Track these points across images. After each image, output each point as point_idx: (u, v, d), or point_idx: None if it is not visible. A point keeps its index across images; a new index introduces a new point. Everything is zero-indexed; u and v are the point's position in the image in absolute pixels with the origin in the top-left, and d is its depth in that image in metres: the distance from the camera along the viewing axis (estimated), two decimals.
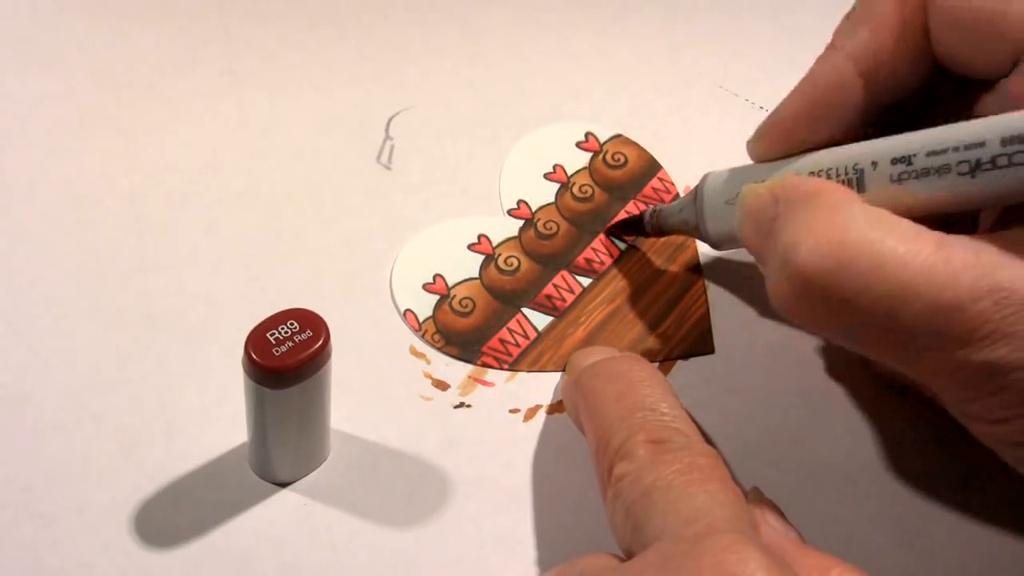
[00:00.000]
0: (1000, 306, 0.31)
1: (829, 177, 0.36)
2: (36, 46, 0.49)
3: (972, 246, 0.31)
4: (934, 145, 0.33)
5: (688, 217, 0.41)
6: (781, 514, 0.35)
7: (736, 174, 0.40)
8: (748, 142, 0.40)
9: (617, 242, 0.44)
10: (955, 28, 0.36)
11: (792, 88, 0.39)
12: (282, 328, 0.34)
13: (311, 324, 0.34)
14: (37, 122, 0.46)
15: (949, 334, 0.31)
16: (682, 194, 0.46)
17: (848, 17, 0.38)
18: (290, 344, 0.33)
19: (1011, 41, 0.35)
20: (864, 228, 0.32)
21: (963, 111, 0.36)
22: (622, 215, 0.45)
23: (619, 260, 0.44)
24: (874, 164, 0.35)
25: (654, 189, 0.46)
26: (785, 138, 0.38)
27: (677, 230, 0.42)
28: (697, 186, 0.41)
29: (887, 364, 0.34)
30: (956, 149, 0.33)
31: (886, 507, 0.38)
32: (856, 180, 0.35)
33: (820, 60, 0.38)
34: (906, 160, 0.34)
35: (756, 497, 0.36)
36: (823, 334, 0.34)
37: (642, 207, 0.46)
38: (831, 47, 0.38)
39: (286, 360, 0.33)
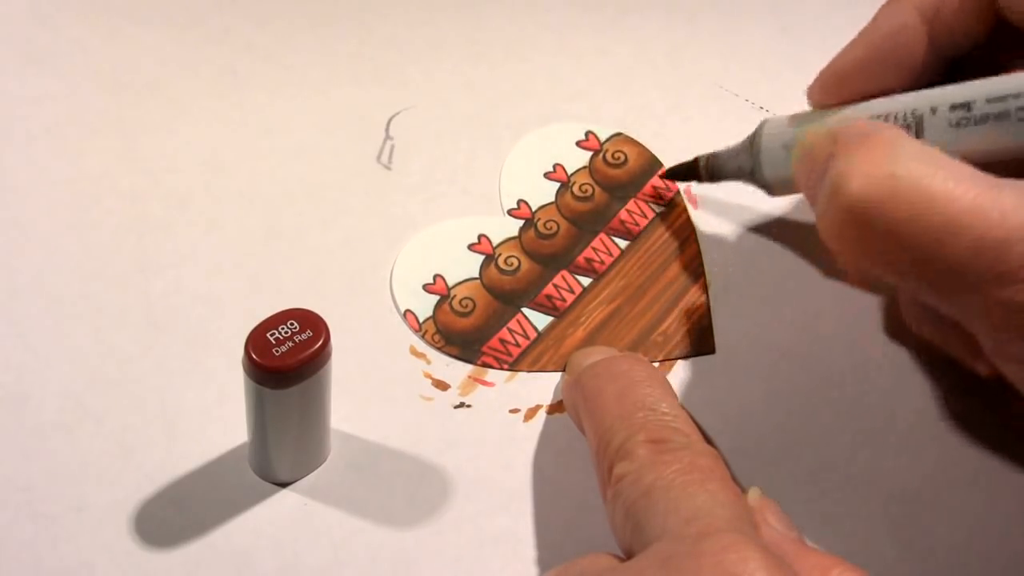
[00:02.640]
0: None
1: (888, 122, 0.36)
2: (36, 46, 0.49)
3: (1021, 187, 0.31)
4: (994, 92, 0.34)
5: (744, 163, 0.42)
6: (782, 514, 0.35)
7: (794, 120, 0.40)
8: (808, 88, 0.40)
9: (618, 241, 0.44)
10: None
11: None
12: (282, 328, 0.34)
13: (311, 324, 0.34)
14: (37, 122, 0.46)
15: (995, 271, 0.31)
16: (683, 194, 0.46)
17: None
18: (290, 344, 0.33)
19: None
20: (916, 162, 0.32)
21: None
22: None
23: (619, 260, 0.44)
24: (933, 110, 0.35)
25: (654, 187, 0.46)
26: (846, 86, 0.38)
27: (732, 176, 0.43)
28: (754, 132, 0.42)
29: (930, 301, 0.34)
30: (1016, 96, 0.33)
31: (887, 507, 0.38)
32: (915, 125, 0.36)
33: (884, 8, 0.39)
34: (966, 107, 0.34)
35: (757, 497, 0.36)
36: (869, 267, 0.34)
37: (643, 206, 0.46)
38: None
39: (286, 360, 0.33)
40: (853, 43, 0.39)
